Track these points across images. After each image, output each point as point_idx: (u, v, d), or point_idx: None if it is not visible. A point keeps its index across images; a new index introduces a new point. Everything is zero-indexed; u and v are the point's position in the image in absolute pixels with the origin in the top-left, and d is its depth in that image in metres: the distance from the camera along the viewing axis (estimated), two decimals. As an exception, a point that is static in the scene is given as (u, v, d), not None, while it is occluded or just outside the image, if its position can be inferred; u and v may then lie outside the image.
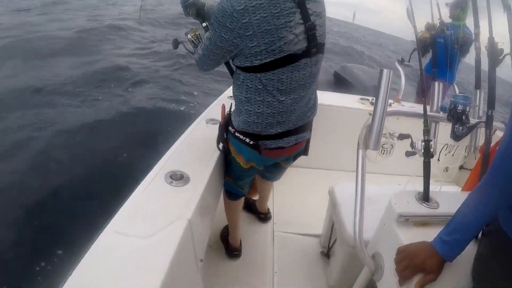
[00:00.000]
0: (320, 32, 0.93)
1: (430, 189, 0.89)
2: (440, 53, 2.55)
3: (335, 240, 1.39)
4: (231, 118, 1.10)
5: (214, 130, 1.21)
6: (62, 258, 1.94)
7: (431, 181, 0.90)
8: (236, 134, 1.07)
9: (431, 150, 0.90)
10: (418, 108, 1.01)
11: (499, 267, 0.64)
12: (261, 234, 1.69)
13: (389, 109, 0.89)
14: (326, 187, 1.45)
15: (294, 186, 2.06)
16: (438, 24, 2.53)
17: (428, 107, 1.00)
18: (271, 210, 1.80)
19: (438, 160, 2.09)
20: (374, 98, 0.87)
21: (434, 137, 1.04)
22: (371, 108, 2.05)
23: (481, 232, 0.74)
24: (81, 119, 3.63)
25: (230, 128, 1.10)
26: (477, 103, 1.10)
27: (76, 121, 3.57)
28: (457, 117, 0.93)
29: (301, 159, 1.30)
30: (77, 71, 5.21)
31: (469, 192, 0.70)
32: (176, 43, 1.20)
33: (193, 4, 1.16)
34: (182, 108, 4.36)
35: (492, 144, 1.00)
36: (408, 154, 0.93)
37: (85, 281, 0.64)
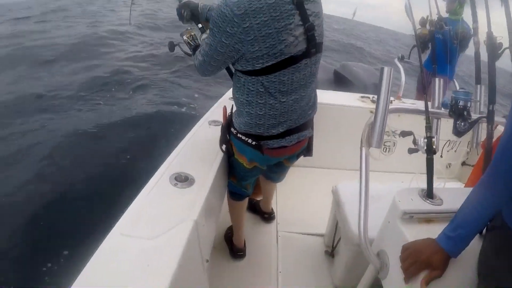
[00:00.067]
0: (318, 32, 0.94)
1: (434, 185, 0.90)
2: (439, 49, 2.55)
3: (339, 239, 1.39)
4: (232, 120, 1.10)
5: (217, 131, 1.22)
6: (69, 258, 1.97)
7: (433, 178, 0.90)
8: (238, 135, 1.07)
9: (434, 146, 0.90)
10: (420, 105, 1.01)
11: (504, 263, 0.64)
12: (265, 234, 1.69)
13: (390, 106, 0.89)
14: (329, 186, 1.46)
15: (297, 186, 2.07)
16: (436, 19, 2.53)
17: (429, 104, 1.00)
18: (274, 210, 1.80)
19: (441, 156, 2.09)
20: (375, 96, 0.87)
21: (436, 134, 1.04)
22: (372, 106, 2.06)
23: (485, 228, 0.74)
24: (84, 123, 3.66)
25: (232, 129, 1.10)
26: (478, 98, 1.10)
27: (79, 125, 3.60)
28: (458, 112, 0.93)
29: (303, 159, 1.30)
30: (78, 76, 5.25)
31: (472, 187, 0.70)
32: (172, 46, 1.19)
33: (186, 5, 1.16)
34: (183, 110, 4.38)
35: (494, 139, 1.00)
36: (411, 151, 0.93)
37: (92, 282, 0.65)
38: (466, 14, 2.74)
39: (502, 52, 1.04)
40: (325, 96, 2.12)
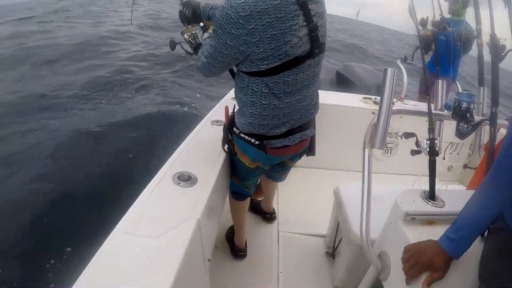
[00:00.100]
0: (321, 32, 0.94)
1: (436, 188, 0.90)
2: (442, 51, 2.55)
3: (340, 240, 1.39)
4: (235, 120, 1.10)
5: (219, 131, 1.22)
6: (71, 255, 1.99)
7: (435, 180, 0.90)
8: (241, 135, 1.07)
9: (437, 148, 0.90)
10: (422, 107, 1.01)
11: (506, 265, 0.64)
12: (266, 234, 1.69)
13: (393, 107, 0.89)
14: (331, 187, 1.46)
15: (299, 187, 2.07)
16: (439, 20, 2.52)
17: (432, 105, 1.00)
18: (276, 211, 1.80)
19: (444, 158, 2.09)
20: (377, 97, 0.87)
21: (439, 136, 1.04)
22: (374, 107, 2.06)
23: (487, 230, 0.74)
24: (86, 123, 3.68)
25: (234, 129, 1.10)
26: (481, 101, 1.10)
27: (81, 125, 3.62)
28: (461, 115, 0.93)
29: (305, 159, 1.30)
30: (80, 76, 5.27)
31: (475, 190, 0.70)
32: (173, 44, 1.18)
33: (188, 4, 1.16)
34: (185, 110, 4.39)
35: (497, 141, 1.00)
36: (414, 153, 0.93)
37: (95, 281, 0.65)
38: (468, 15, 2.73)
39: (506, 54, 1.04)
40: (328, 97, 2.12)
